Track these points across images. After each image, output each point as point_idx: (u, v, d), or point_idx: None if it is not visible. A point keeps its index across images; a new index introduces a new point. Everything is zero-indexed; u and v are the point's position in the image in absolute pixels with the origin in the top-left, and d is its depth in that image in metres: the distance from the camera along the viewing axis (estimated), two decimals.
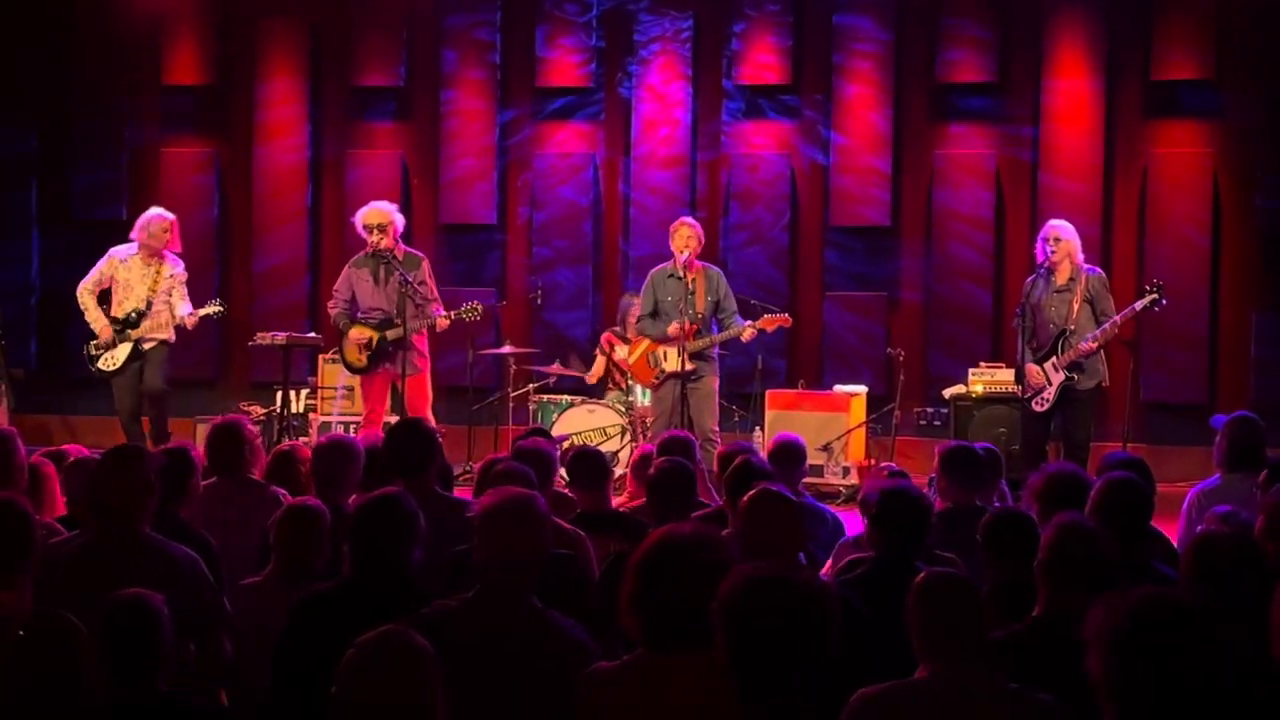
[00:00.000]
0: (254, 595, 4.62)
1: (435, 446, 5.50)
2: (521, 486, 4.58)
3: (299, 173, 12.37)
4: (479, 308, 9.47)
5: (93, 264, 9.76)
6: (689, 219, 9.56)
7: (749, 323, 9.32)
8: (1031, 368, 8.93)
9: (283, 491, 5.70)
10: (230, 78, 12.44)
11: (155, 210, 9.80)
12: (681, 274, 9.25)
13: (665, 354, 9.38)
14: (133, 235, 9.72)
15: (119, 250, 9.73)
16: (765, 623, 2.70)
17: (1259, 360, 11.01)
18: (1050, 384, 8.85)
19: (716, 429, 9.37)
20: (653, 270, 9.59)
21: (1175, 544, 5.49)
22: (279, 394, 10.19)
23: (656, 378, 9.44)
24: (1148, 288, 8.94)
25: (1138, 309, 8.91)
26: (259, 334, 10.25)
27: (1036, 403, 8.93)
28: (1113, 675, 2.64)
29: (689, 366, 9.18)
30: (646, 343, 9.54)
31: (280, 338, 10.07)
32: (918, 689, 3.35)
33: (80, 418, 11.83)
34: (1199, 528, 5.12)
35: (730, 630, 2.73)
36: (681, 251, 9.24)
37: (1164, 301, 8.88)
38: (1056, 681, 3.47)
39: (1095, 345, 8.82)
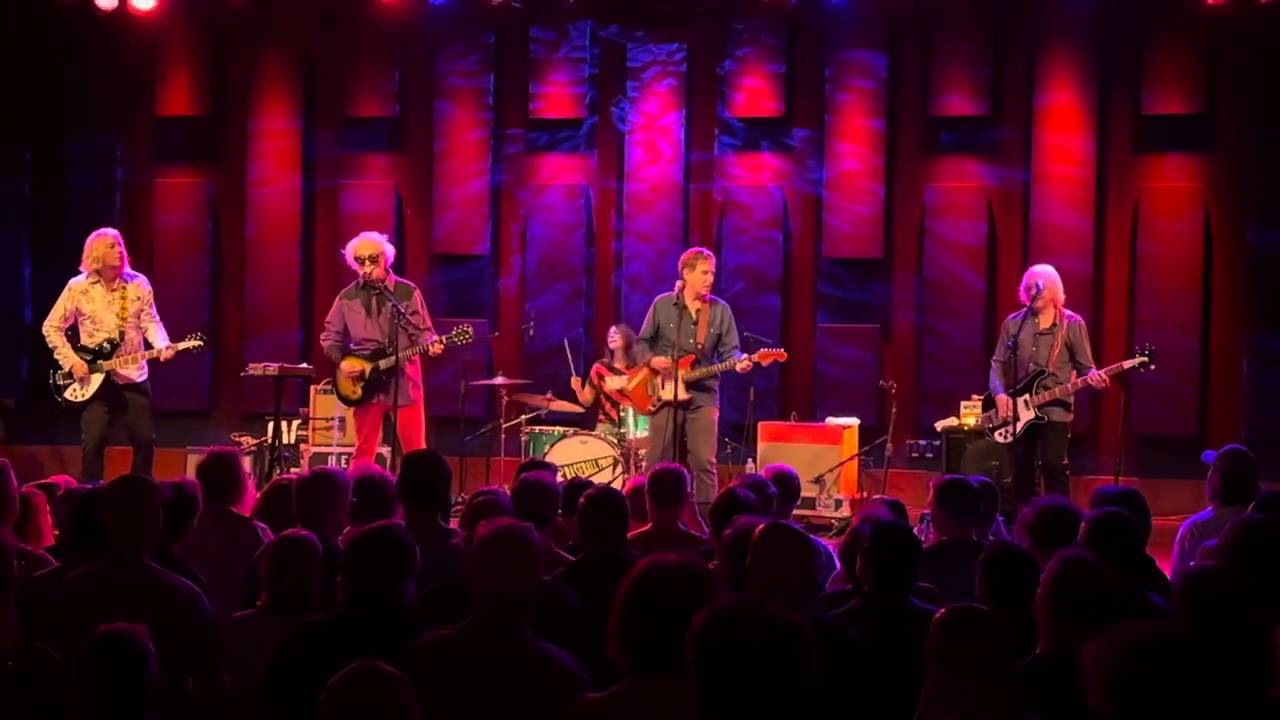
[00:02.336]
0: (247, 628, 4.56)
1: (449, 482, 5.63)
2: (505, 517, 4.63)
3: (292, 203, 12.36)
4: (469, 331, 9.47)
5: None
6: (706, 251, 9.50)
7: (745, 355, 9.31)
8: (1003, 398, 9.10)
9: (263, 526, 5.68)
10: (223, 109, 12.44)
11: (94, 233, 9.49)
12: (685, 304, 9.23)
13: (663, 382, 9.36)
14: (82, 267, 9.38)
15: (76, 280, 9.41)
16: (736, 656, 2.71)
17: (1250, 393, 11.01)
18: (1019, 418, 8.97)
19: (714, 460, 9.35)
20: (658, 296, 9.58)
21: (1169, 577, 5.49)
22: (270, 425, 10.16)
23: (653, 405, 9.42)
24: (1140, 350, 9.04)
25: (1125, 368, 9.06)
26: (251, 364, 10.21)
27: (1000, 433, 9.10)
28: (1110, 707, 2.72)
29: (685, 396, 9.17)
30: (645, 371, 9.53)
31: (272, 368, 10.04)
32: None
33: (71, 448, 11.72)
34: (1192, 561, 5.14)
35: (701, 661, 2.75)
36: (696, 284, 9.20)
37: (1153, 366, 9.01)
38: (1063, 718, 3.45)
39: (1073, 388, 8.99)
